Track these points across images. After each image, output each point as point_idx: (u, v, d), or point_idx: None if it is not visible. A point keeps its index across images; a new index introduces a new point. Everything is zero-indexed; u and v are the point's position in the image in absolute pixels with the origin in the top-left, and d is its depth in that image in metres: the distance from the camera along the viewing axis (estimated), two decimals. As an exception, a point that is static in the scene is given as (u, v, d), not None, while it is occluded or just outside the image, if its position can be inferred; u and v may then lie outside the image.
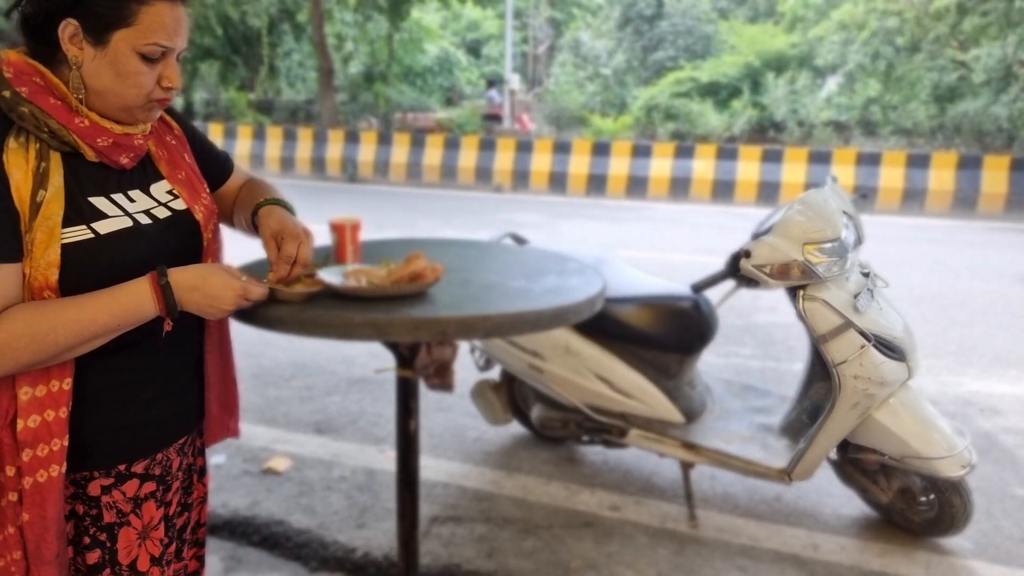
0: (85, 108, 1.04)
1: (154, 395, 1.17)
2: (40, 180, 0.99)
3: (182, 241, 1.17)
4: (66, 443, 1.05)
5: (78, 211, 1.03)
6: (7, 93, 0.99)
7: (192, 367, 1.25)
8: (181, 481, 1.27)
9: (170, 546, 1.24)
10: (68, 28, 0.99)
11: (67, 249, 1.01)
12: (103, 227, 1.05)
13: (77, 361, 1.06)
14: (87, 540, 1.12)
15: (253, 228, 1.34)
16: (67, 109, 1.02)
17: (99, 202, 1.06)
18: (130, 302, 1.03)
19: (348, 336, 1.31)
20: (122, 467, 1.14)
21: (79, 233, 1.02)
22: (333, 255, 1.62)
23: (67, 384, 1.04)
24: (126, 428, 1.14)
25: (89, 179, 1.06)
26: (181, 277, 1.07)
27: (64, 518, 1.08)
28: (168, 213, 1.15)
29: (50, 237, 0.99)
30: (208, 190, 1.26)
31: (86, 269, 1.03)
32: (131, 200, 1.11)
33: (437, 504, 2.71)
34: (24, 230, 0.98)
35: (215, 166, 1.36)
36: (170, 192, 1.17)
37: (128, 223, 1.08)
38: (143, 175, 1.15)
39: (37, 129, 1.00)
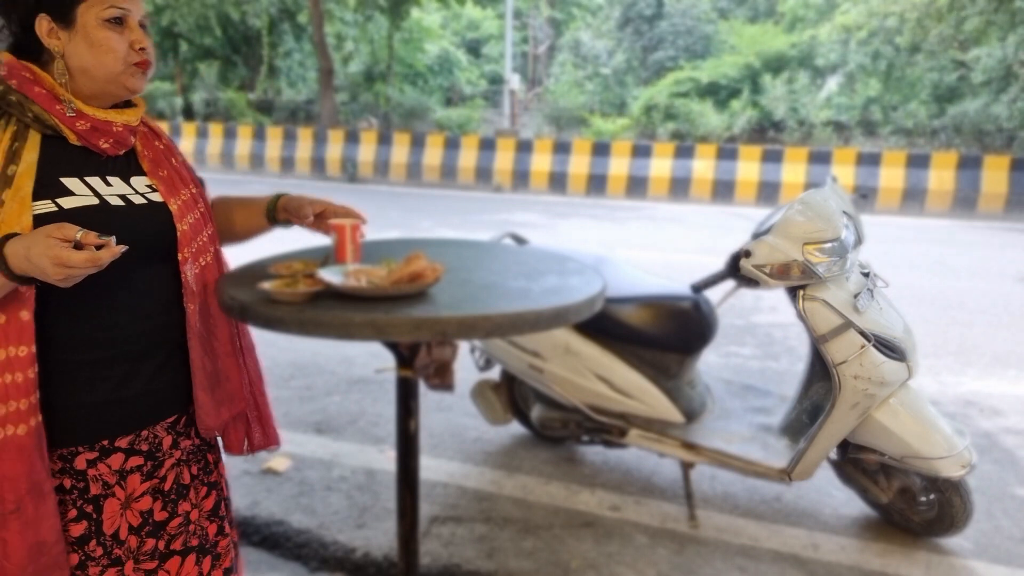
0: (70, 95, 1.15)
1: (124, 374, 1.23)
2: (11, 156, 1.11)
3: (154, 227, 1.24)
4: (25, 407, 1.11)
5: (46, 187, 1.13)
6: (0, 87, 1.14)
7: (167, 351, 1.29)
8: (187, 462, 1.34)
9: (171, 520, 1.31)
10: (43, 23, 1.14)
11: (36, 220, 1.10)
12: (68, 203, 1.14)
13: (50, 339, 1.15)
14: (74, 512, 1.20)
15: (266, 218, 1.50)
16: (50, 97, 1.14)
17: (70, 182, 1.16)
18: None
19: (348, 336, 1.31)
20: (105, 442, 1.22)
21: (45, 207, 1.12)
22: (333, 255, 1.62)
23: (23, 351, 1.11)
24: (102, 405, 1.21)
25: (68, 161, 1.17)
26: (15, 247, 1.05)
27: (35, 478, 1.13)
28: (143, 201, 1.24)
29: (22, 207, 1.10)
30: (193, 190, 1.34)
31: None
32: (108, 184, 1.21)
33: (437, 504, 2.71)
34: None
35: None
36: (150, 186, 1.26)
37: (94, 201, 1.17)
38: (126, 167, 1.25)
39: (22, 114, 1.13)
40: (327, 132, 13.86)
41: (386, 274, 1.45)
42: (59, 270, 1.03)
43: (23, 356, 1.11)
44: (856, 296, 2.25)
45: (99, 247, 1.04)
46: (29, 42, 1.16)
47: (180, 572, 1.32)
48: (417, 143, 13.31)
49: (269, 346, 4.28)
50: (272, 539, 2.47)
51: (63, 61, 1.15)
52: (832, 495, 2.79)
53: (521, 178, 12.45)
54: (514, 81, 18.47)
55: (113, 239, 1.06)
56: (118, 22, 1.17)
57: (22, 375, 1.11)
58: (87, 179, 1.18)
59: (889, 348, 2.26)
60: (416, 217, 9.09)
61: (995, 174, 10.58)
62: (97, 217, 1.16)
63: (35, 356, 1.12)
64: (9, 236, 1.06)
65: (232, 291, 1.37)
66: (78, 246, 1.04)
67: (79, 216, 1.14)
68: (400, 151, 13.26)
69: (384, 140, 13.51)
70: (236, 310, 1.35)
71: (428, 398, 3.50)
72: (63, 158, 1.17)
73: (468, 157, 12.88)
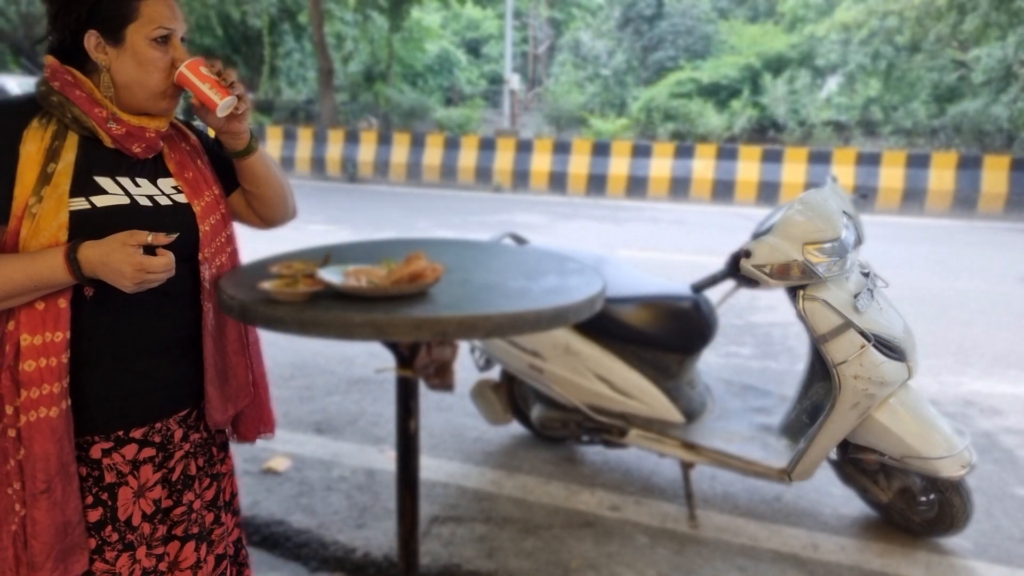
0: (111, 104, 1.21)
1: (142, 368, 1.29)
2: (51, 155, 1.18)
3: (178, 228, 1.28)
4: (57, 391, 1.17)
5: (81, 186, 1.19)
6: (43, 88, 1.21)
7: (183, 348, 1.35)
8: (194, 454, 1.39)
9: (175, 508, 1.36)
10: (91, 39, 1.19)
11: (72, 216, 1.18)
12: (100, 201, 1.21)
13: (75, 332, 1.20)
14: (90, 499, 1.26)
15: (233, 156, 1.41)
16: (89, 100, 1.20)
17: (103, 181, 1.22)
18: (44, 268, 1.14)
19: (348, 336, 1.31)
20: (120, 432, 1.28)
21: (79, 204, 1.19)
22: (199, 110, 1.41)
23: (59, 337, 1.18)
24: (119, 397, 1.27)
25: (102, 161, 1.23)
26: (89, 253, 1.15)
27: (64, 460, 1.19)
28: (169, 203, 1.29)
29: (59, 204, 1.16)
30: (216, 191, 1.39)
31: (86, 235, 1.17)
32: (136, 185, 1.26)
33: (437, 504, 2.71)
34: (28, 194, 1.15)
35: (232, 173, 1.46)
36: (175, 188, 1.32)
37: (125, 201, 1.23)
38: (154, 169, 1.30)
39: (63, 115, 1.19)
40: (327, 132, 13.86)
41: (386, 274, 1.45)
42: (140, 275, 1.15)
43: (58, 342, 1.18)
44: (856, 296, 2.25)
45: (152, 247, 1.17)
46: (75, 50, 1.21)
47: (179, 556, 1.37)
48: (417, 143, 13.30)
49: (269, 346, 4.26)
50: (272, 539, 2.47)
51: (109, 75, 1.21)
52: (832, 495, 2.79)
53: (521, 178, 12.44)
54: (514, 81, 18.46)
55: (175, 236, 1.19)
56: (164, 40, 1.23)
57: (56, 359, 1.18)
58: (118, 179, 1.24)
59: (889, 348, 2.26)
60: (416, 217, 9.08)
61: (995, 174, 10.58)
62: (127, 216, 1.22)
63: (69, 342, 1.19)
64: (79, 242, 1.16)
65: (232, 291, 1.37)
66: (148, 249, 1.16)
67: (110, 215, 1.21)
68: (400, 151, 13.26)
69: (384, 140, 13.50)
70: (236, 310, 1.35)
71: (428, 398, 3.50)
72: (98, 158, 1.22)
73: (468, 157, 12.88)
